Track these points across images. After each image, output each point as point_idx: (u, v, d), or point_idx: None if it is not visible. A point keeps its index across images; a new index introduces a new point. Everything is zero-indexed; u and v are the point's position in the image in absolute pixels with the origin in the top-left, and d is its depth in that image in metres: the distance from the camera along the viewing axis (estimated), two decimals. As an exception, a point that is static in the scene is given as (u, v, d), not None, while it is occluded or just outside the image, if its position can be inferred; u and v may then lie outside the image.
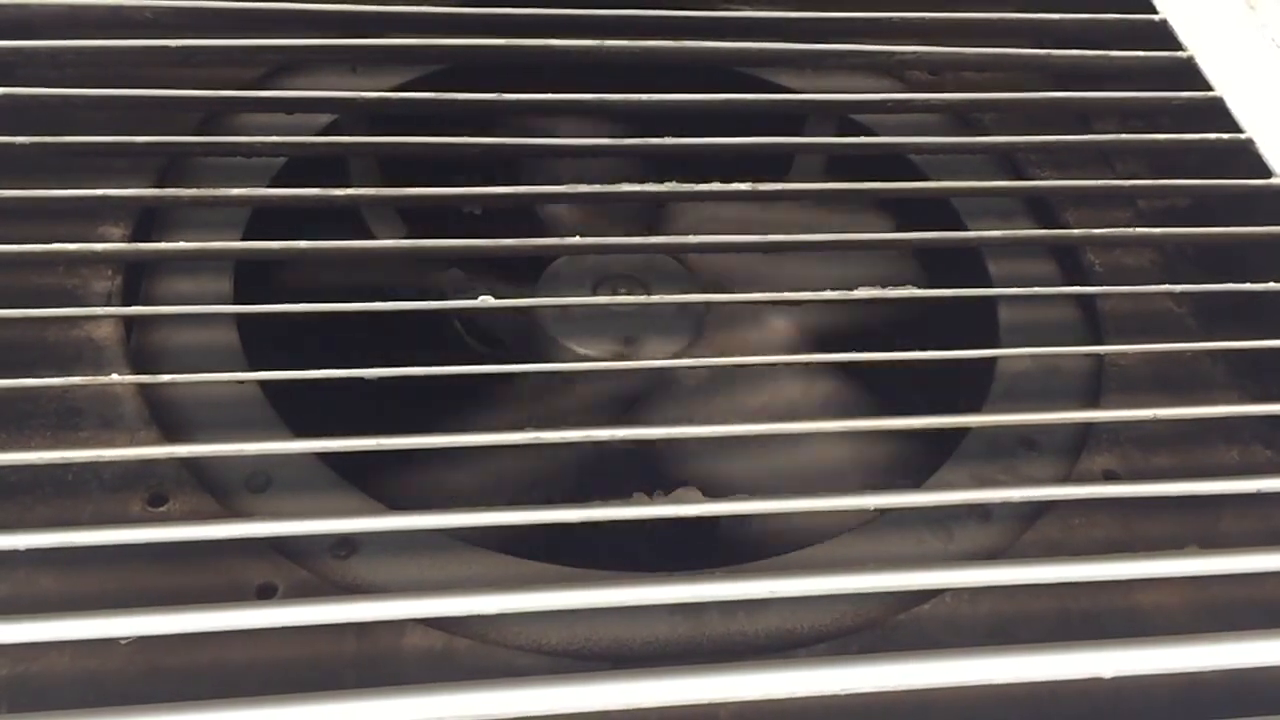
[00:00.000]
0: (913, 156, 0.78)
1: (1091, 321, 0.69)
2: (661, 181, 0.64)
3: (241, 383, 0.59)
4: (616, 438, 0.53)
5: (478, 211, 0.83)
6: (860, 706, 0.46)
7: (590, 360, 0.71)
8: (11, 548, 0.45)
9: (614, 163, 0.82)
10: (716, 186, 0.63)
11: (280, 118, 0.73)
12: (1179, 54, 0.73)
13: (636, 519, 0.49)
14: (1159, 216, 0.73)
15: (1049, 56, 0.73)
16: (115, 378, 0.56)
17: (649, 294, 0.74)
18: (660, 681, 0.43)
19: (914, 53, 0.72)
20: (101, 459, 0.53)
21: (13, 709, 0.44)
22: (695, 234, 0.68)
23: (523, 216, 0.83)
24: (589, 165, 0.78)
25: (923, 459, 0.64)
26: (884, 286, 0.62)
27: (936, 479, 0.60)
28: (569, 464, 0.71)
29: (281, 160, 0.71)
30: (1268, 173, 0.65)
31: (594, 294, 0.75)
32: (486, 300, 0.58)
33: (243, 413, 0.59)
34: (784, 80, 0.83)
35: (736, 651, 0.50)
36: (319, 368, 0.52)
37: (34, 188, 0.59)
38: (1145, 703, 0.48)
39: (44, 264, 0.61)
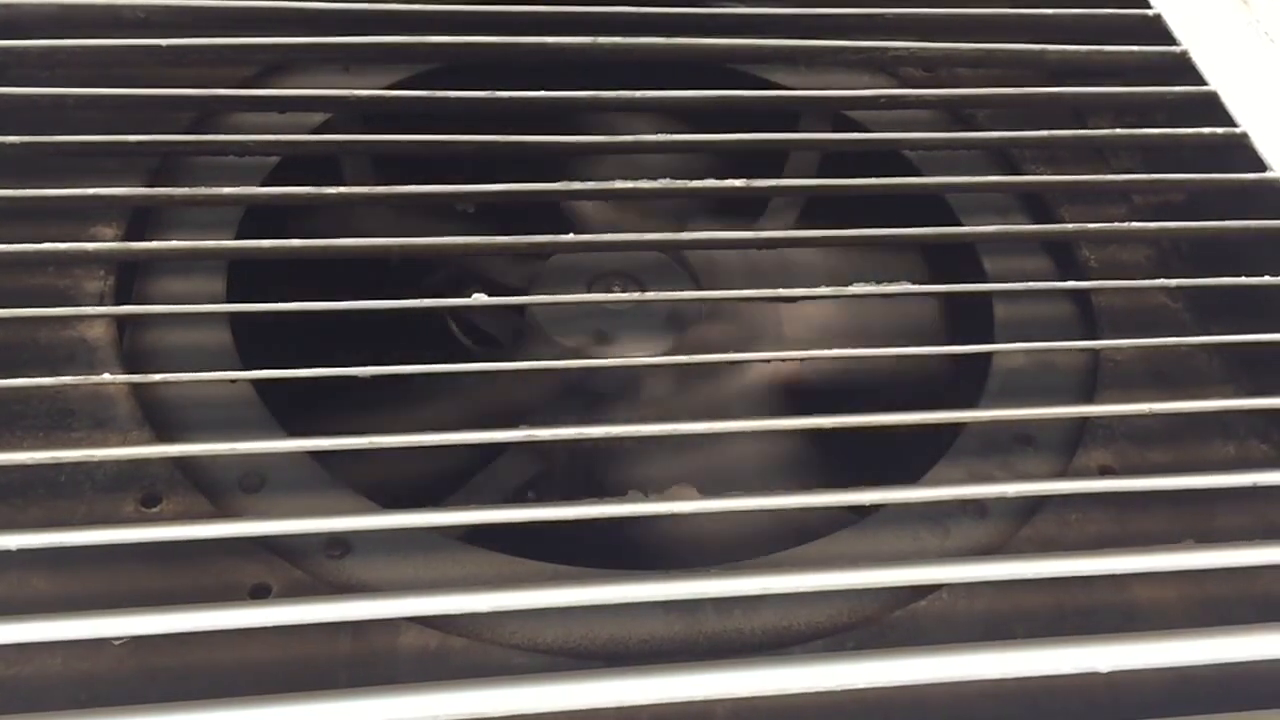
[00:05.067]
0: (907, 153, 0.78)
1: (1087, 317, 0.68)
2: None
3: (234, 382, 0.59)
4: (612, 435, 0.53)
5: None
6: (856, 703, 0.46)
7: (573, 354, 0.71)
8: (4, 548, 0.45)
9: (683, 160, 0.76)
10: (710, 183, 0.63)
11: (273, 117, 0.73)
12: (1173, 49, 0.73)
13: (634, 516, 0.49)
14: (1154, 211, 0.73)
15: (1043, 52, 0.73)
16: (108, 377, 0.56)
17: (643, 292, 0.74)
18: (656, 679, 0.43)
19: (907, 49, 0.72)
20: (93, 459, 0.52)
21: (5, 711, 0.44)
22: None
23: (547, 214, 0.82)
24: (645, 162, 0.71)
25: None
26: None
27: (932, 475, 0.60)
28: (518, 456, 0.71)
29: (274, 159, 0.71)
30: (1262, 166, 0.65)
31: (589, 291, 0.75)
32: (479, 298, 0.58)
33: (236, 413, 0.58)
34: (778, 77, 0.83)
35: (732, 649, 0.50)
36: (312, 365, 0.52)
37: (26, 187, 0.59)
38: (1141, 697, 0.48)
39: (36, 264, 0.61)
